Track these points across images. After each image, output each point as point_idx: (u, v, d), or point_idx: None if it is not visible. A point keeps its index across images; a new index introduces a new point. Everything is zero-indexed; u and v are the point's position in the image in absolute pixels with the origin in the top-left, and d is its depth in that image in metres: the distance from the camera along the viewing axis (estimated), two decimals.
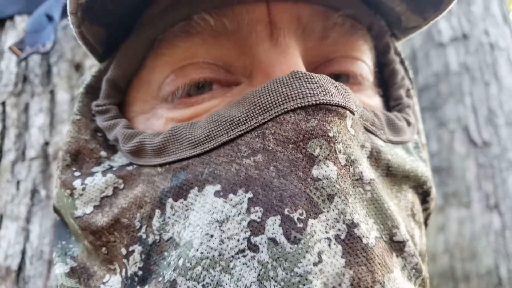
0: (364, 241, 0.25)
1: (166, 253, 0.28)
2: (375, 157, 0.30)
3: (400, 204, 0.32)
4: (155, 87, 0.33)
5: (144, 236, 0.29)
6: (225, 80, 0.32)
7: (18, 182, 0.57)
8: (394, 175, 0.31)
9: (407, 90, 0.40)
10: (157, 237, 0.28)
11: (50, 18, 0.59)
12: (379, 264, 0.25)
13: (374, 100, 0.37)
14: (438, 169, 1.30)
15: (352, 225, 0.25)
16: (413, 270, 0.28)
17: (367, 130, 0.30)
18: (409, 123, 0.36)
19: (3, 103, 0.62)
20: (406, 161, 0.32)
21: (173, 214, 0.28)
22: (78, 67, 0.64)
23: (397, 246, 0.27)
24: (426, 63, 1.42)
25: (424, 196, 0.35)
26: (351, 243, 0.24)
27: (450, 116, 1.32)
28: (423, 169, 0.34)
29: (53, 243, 0.35)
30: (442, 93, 1.36)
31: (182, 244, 0.27)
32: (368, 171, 0.27)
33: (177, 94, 0.32)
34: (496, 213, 1.19)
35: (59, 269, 0.32)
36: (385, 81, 0.40)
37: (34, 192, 0.57)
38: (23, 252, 0.54)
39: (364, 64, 0.36)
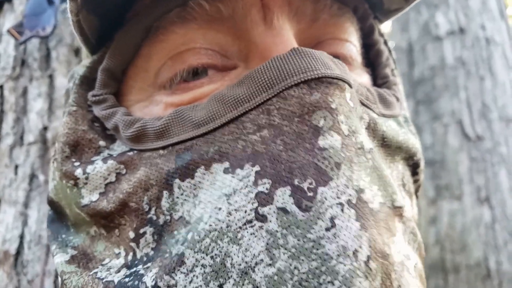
0: (370, 205, 0.26)
1: (175, 232, 0.28)
2: (372, 128, 0.31)
3: (393, 174, 0.33)
4: (152, 75, 0.33)
5: (154, 218, 0.29)
6: (222, 65, 0.32)
7: (16, 167, 0.57)
8: (389, 146, 0.33)
9: (392, 69, 0.41)
10: (168, 217, 0.29)
11: (50, 1, 0.58)
12: (384, 227, 0.26)
13: (364, 78, 0.38)
14: (431, 162, 1.32)
15: (359, 191, 0.26)
16: (411, 235, 0.29)
17: (362, 103, 0.31)
18: (397, 99, 0.38)
19: (1, 87, 0.61)
20: (399, 133, 0.34)
21: (182, 194, 0.28)
22: (77, 52, 0.63)
23: (398, 212, 0.28)
24: (423, 56, 1.43)
25: (414, 167, 0.37)
26: (361, 207, 0.25)
27: (444, 110, 1.33)
28: (414, 141, 0.36)
29: (50, 238, 0.35)
30: (437, 87, 1.37)
31: (193, 221, 0.27)
32: (367, 141, 0.28)
33: (175, 80, 0.32)
34: (487, 206, 1.21)
35: (59, 258, 0.32)
36: (370, 61, 0.41)
37: (32, 177, 0.57)
38: (21, 237, 0.54)
39: (352, 46, 0.37)
